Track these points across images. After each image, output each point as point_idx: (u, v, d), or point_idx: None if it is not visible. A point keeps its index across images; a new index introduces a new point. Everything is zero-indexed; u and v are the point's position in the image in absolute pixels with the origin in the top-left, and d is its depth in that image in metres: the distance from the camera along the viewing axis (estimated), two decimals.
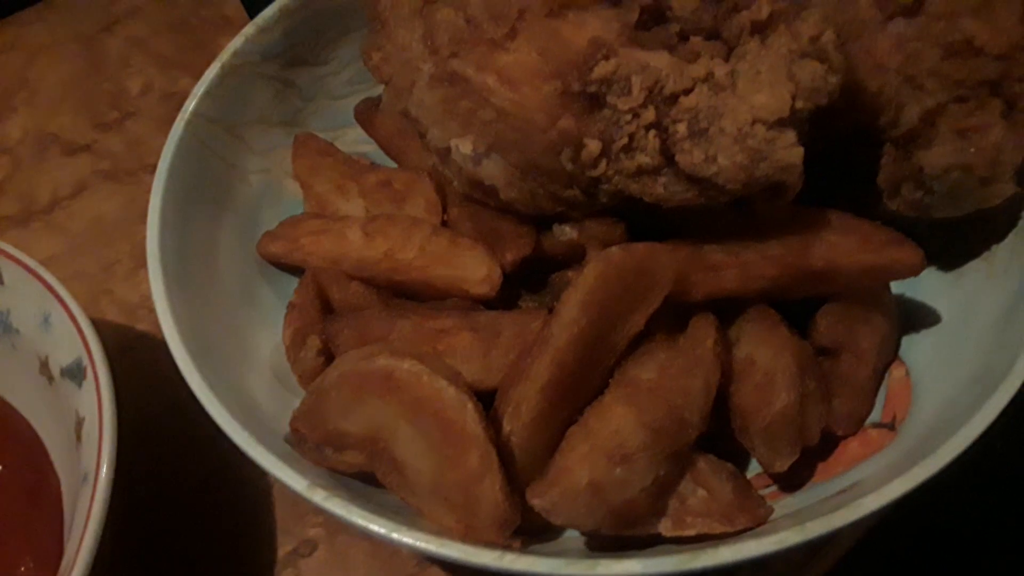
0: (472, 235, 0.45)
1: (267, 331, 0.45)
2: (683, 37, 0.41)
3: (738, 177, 0.36)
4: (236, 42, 0.50)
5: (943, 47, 0.39)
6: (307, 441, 0.37)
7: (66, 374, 0.42)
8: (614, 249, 0.37)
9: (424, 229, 0.45)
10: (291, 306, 0.44)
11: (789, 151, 0.36)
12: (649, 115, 0.38)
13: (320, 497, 0.33)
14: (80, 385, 0.41)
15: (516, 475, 0.35)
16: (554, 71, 0.39)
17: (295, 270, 0.47)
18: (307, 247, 0.47)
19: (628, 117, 0.38)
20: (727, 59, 0.39)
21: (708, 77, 0.38)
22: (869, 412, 0.41)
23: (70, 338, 0.41)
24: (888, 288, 0.42)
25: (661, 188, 0.39)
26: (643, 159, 0.38)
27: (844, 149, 0.42)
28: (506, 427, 0.36)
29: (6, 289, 0.44)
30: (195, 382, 0.37)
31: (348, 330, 0.42)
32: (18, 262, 0.44)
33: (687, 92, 0.38)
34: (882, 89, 0.40)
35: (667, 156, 0.38)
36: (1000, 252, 0.41)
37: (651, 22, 0.41)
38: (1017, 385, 0.35)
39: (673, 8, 0.41)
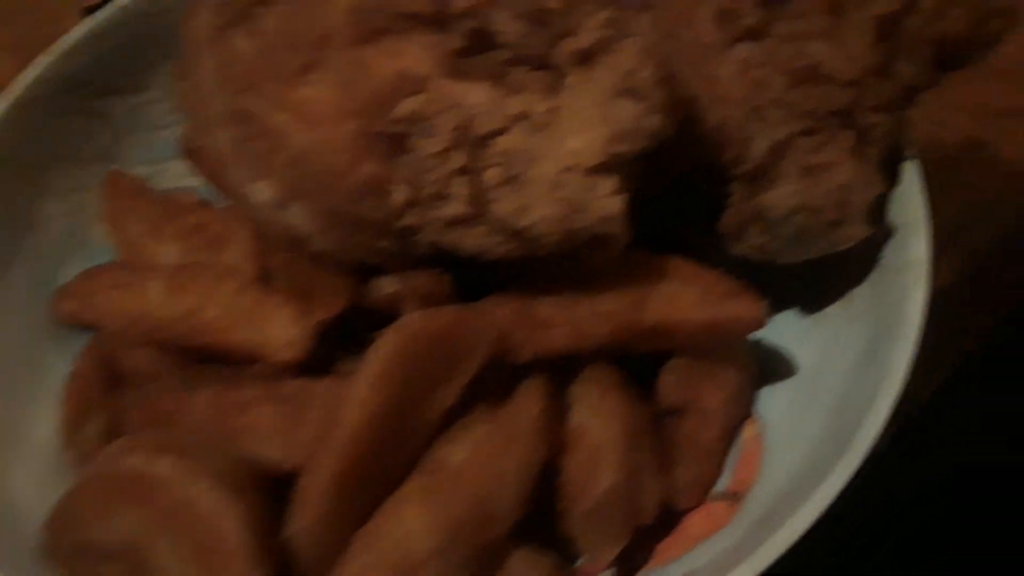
0: (286, 290, 0.40)
1: (52, 408, 0.39)
2: (513, 63, 0.37)
3: (555, 230, 0.32)
4: (30, 72, 0.44)
5: (789, 74, 0.35)
6: (59, 551, 0.32)
7: None
8: (414, 316, 0.32)
9: (231, 283, 0.40)
10: (72, 376, 0.39)
11: (608, 201, 0.31)
12: (458, 159, 0.33)
13: None
14: None
15: None
16: (356, 108, 0.34)
17: (92, 330, 0.42)
18: (101, 304, 0.41)
19: (436, 162, 0.33)
20: (555, 90, 0.35)
21: (526, 115, 0.33)
22: (715, 479, 0.37)
23: None
24: (742, 338, 0.39)
25: (477, 240, 0.34)
26: (454, 208, 0.33)
27: (690, 186, 0.38)
28: (291, 526, 0.31)
29: None
30: None
31: (136, 406, 0.37)
32: None
33: (501, 133, 0.33)
34: (726, 122, 0.36)
35: (480, 205, 0.33)
36: (858, 295, 0.38)
37: (478, 48, 0.37)
38: (870, 442, 0.31)
39: (500, 34, 0.36)
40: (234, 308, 0.39)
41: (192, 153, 0.50)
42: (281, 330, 0.38)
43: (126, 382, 0.39)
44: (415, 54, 0.36)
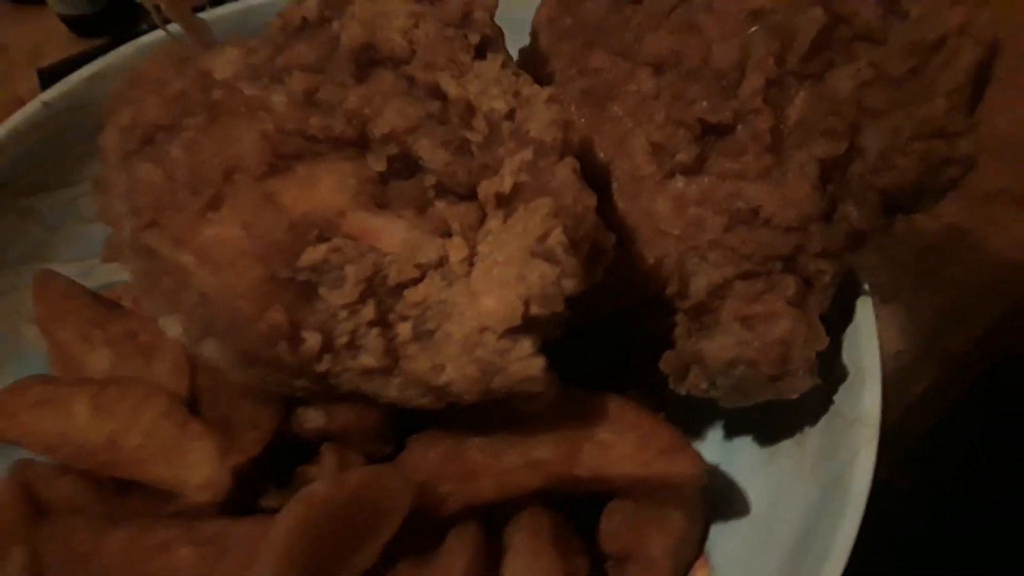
0: (210, 416, 0.38)
1: None
2: (439, 191, 0.34)
3: (472, 389, 0.30)
4: None
5: (727, 214, 0.33)
6: None
7: None
8: (317, 485, 0.30)
9: (155, 407, 0.38)
10: None
11: (525, 363, 0.29)
12: (368, 312, 0.31)
13: None
14: None
15: None
16: (261, 253, 0.32)
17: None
18: (25, 424, 0.39)
19: (345, 313, 0.31)
20: (476, 229, 0.33)
21: (442, 262, 0.31)
22: None
23: None
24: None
25: (395, 391, 0.32)
26: (367, 360, 0.32)
27: (635, 316, 0.36)
28: None
29: None
30: None
31: (54, 540, 0.36)
32: None
33: (415, 282, 0.31)
34: (664, 258, 0.34)
35: (395, 358, 0.31)
36: (811, 437, 0.36)
37: (402, 174, 0.35)
38: None
39: (423, 160, 0.34)
40: (156, 437, 0.37)
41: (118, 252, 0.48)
42: (200, 468, 0.36)
43: (47, 513, 0.37)
44: (331, 183, 0.34)
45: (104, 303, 0.46)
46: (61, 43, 0.69)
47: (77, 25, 0.69)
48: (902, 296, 0.47)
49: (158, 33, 0.47)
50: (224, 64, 0.36)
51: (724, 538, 0.37)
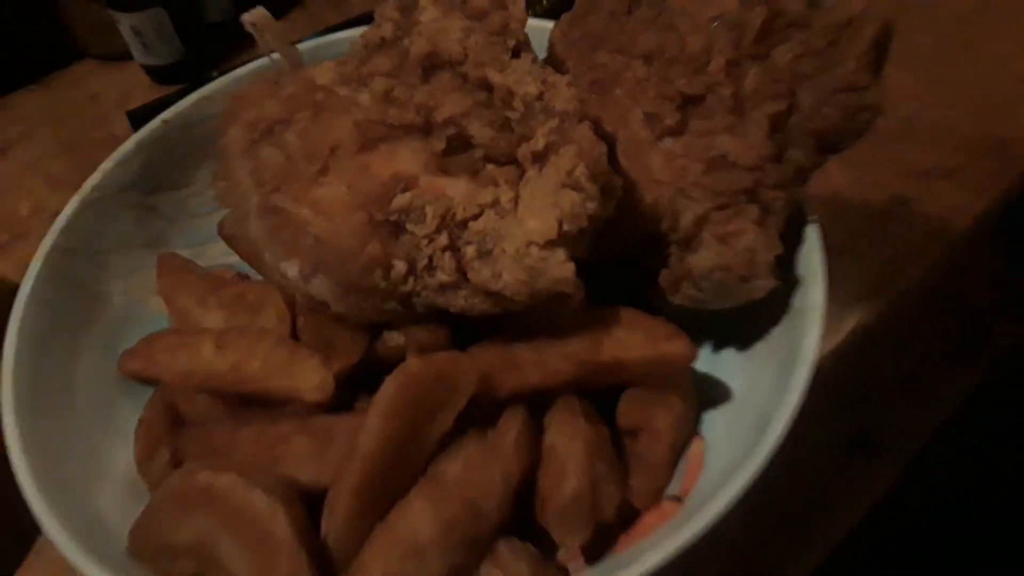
0: (312, 344, 0.48)
1: (125, 446, 0.48)
2: (487, 159, 0.46)
3: (522, 291, 0.41)
4: (95, 177, 0.54)
5: (704, 162, 0.44)
6: (143, 553, 0.40)
7: None
8: (411, 360, 0.41)
9: (268, 341, 0.49)
10: (141, 421, 0.48)
11: (561, 267, 0.40)
12: (443, 239, 0.42)
13: None
14: None
15: (334, 572, 0.39)
16: (360, 202, 0.43)
17: (155, 384, 0.51)
18: (163, 363, 0.50)
19: (426, 242, 0.42)
20: (518, 182, 0.44)
21: (495, 203, 0.43)
22: (665, 486, 0.45)
23: None
24: (686, 372, 0.47)
25: (462, 300, 0.43)
26: (443, 277, 0.42)
27: (639, 250, 0.47)
28: (323, 528, 0.39)
29: None
30: (39, 508, 0.40)
31: (194, 441, 0.46)
32: None
33: (476, 217, 0.42)
34: (658, 200, 0.45)
35: (463, 273, 0.43)
36: (773, 333, 0.46)
37: (457, 149, 0.46)
38: (775, 443, 0.40)
39: (474, 137, 0.46)
40: (271, 361, 0.48)
41: (228, 237, 0.59)
42: (310, 377, 0.46)
43: (185, 423, 0.48)
44: (406, 157, 0.46)
45: (214, 277, 0.57)
46: (144, 90, 0.81)
47: (157, 74, 0.81)
48: (857, 250, 0.58)
49: (252, 66, 0.59)
50: (323, 73, 0.48)
51: (713, 419, 0.47)
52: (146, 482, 0.46)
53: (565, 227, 0.40)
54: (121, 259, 0.55)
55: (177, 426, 0.48)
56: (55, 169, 0.75)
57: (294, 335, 0.51)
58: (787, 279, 0.45)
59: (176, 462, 0.46)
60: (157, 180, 0.57)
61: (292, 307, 0.52)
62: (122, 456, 0.48)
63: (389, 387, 0.40)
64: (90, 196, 0.53)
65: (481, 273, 0.41)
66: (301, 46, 0.56)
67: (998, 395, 0.98)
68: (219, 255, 0.58)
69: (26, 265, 0.67)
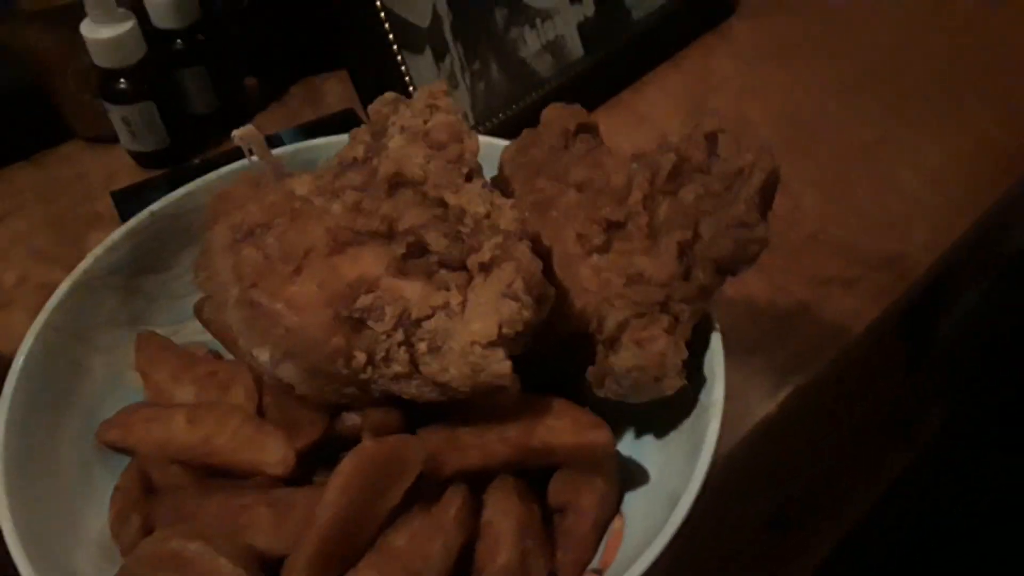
0: (277, 421, 0.54)
1: (100, 511, 0.53)
2: (441, 264, 0.53)
3: (466, 383, 0.48)
4: (86, 262, 0.60)
5: (625, 276, 0.51)
6: None
7: None
8: (366, 442, 0.47)
9: (237, 417, 0.54)
10: (116, 489, 0.53)
11: (500, 364, 0.47)
12: (399, 336, 0.49)
13: None
14: None
15: None
16: (328, 300, 0.50)
17: (130, 453, 0.56)
18: (138, 433, 0.55)
19: (384, 337, 0.49)
20: (466, 287, 0.51)
21: (446, 305, 0.49)
22: (590, 559, 0.51)
23: None
24: (611, 457, 0.54)
25: (414, 389, 0.50)
26: (397, 368, 0.49)
27: (571, 346, 0.55)
28: None
29: None
30: (21, 562, 0.45)
31: (165, 508, 0.51)
32: None
33: (428, 317, 0.49)
34: (587, 306, 0.52)
35: (415, 366, 0.49)
36: (684, 424, 0.53)
37: (415, 255, 0.53)
38: (680, 520, 0.46)
39: (431, 245, 0.53)
40: (238, 436, 0.53)
41: (205, 320, 0.65)
42: (274, 453, 0.52)
43: (157, 491, 0.53)
44: (371, 260, 0.53)
45: (188, 354, 0.62)
46: (129, 171, 0.87)
47: (142, 159, 0.87)
48: (765, 347, 0.66)
49: (220, 172, 0.66)
50: (301, 185, 0.55)
51: (633, 499, 0.53)
52: (118, 545, 0.51)
53: (504, 331, 0.47)
54: (105, 336, 0.60)
55: (149, 494, 0.53)
56: (40, 243, 0.80)
57: (260, 411, 0.57)
58: (694, 378, 0.52)
59: (147, 528, 0.51)
60: (142, 264, 0.63)
61: (260, 385, 0.57)
62: (98, 520, 0.52)
63: (346, 465, 0.46)
64: (81, 279, 0.59)
65: (431, 366, 0.48)
66: (282, 150, 0.64)
67: (919, 482, 1.07)
68: (194, 333, 0.64)
69: (8, 332, 0.72)
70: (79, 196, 0.85)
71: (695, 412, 0.53)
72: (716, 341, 0.53)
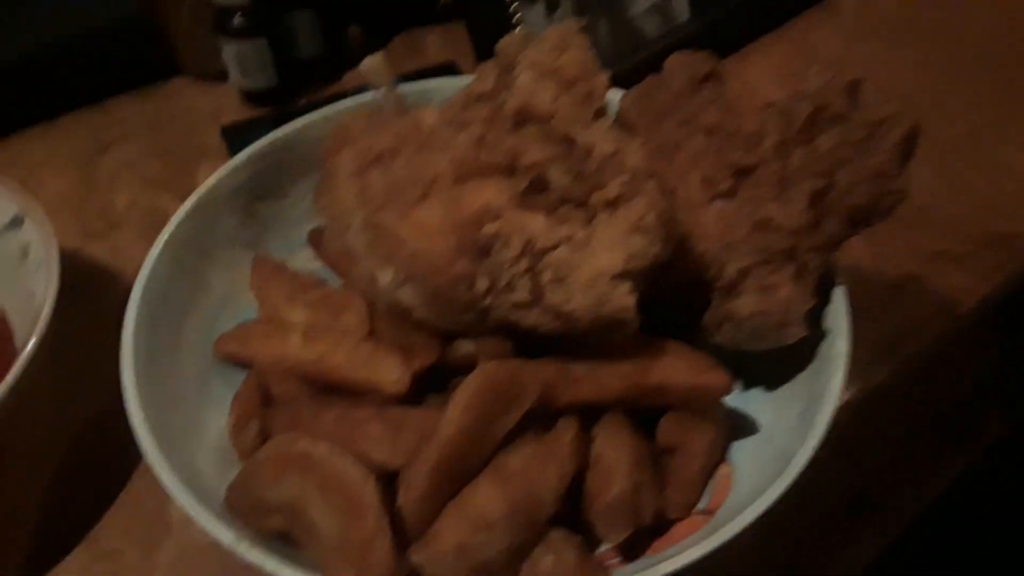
0: (391, 344, 0.55)
1: (217, 417, 0.55)
2: (563, 201, 0.53)
3: (588, 314, 0.48)
4: (211, 180, 0.61)
5: (751, 222, 0.51)
6: (238, 507, 0.46)
7: (9, 228, 0.59)
8: (490, 364, 0.47)
9: (352, 338, 0.56)
10: (237, 396, 0.54)
11: (624, 298, 0.47)
12: (524, 264, 0.49)
13: (244, 548, 0.42)
14: (22, 226, 0.57)
15: (406, 539, 0.45)
16: (453, 226, 0.51)
17: (245, 366, 0.57)
18: (255, 347, 0.57)
19: (508, 264, 0.49)
20: (588, 223, 0.51)
21: (570, 238, 0.50)
22: (696, 501, 0.51)
23: (9, 197, 0.58)
24: (719, 404, 0.54)
25: (533, 318, 0.50)
26: (519, 296, 0.49)
27: (686, 292, 0.55)
28: (400, 500, 0.46)
29: None
30: (153, 456, 0.46)
31: (281, 417, 0.53)
32: None
33: (553, 249, 0.50)
34: (707, 251, 0.52)
35: (536, 295, 0.50)
36: (800, 376, 0.53)
37: (537, 190, 0.54)
38: (796, 473, 0.46)
39: (552, 182, 0.53)
40: (355, 355, 0.54)
41: (317, 245, 0.67)
42: (390, 371, 0.53)
43: (275, 402, 0.54)
44: (494, 192, 0.53)
45: (302, 278, 0.64)
46: (235, 109, 0.89)
47: (250, 96, 0.89)
48: (872, 313, 0.65)
49: (338, 105, 0.67)
50: (428, 116, 0.56)
51: (740, 448, 0.53)
52: (236, 449, 0.53)
53: (631, 264, 0.47)
54: (224, 254, 0.62)
55: (267, 403, 0.54)
56: (149, 171, 0.82)
57: (372, 336, 0.58)
58: (815, 331, 0.52)
59: (264, 435, 0.52)
60: (260, 189, 0.65)
61: (371, 312, 0.59)
62: (215, 427, 0.54)
63: (471, 383, 0.46)
64: (205, 196, 0.61)
65: (555, 296, 0.48)
66: (401, 88, 0.65)
67: (987, 478, 1.04)
68: (306, 261, 0.65)
69: (119, 252, 0.75)
70: (187, 129, 0.87)
71: (813, 366, 0.52)
72: (840, 294, 0.52)
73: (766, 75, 0.89)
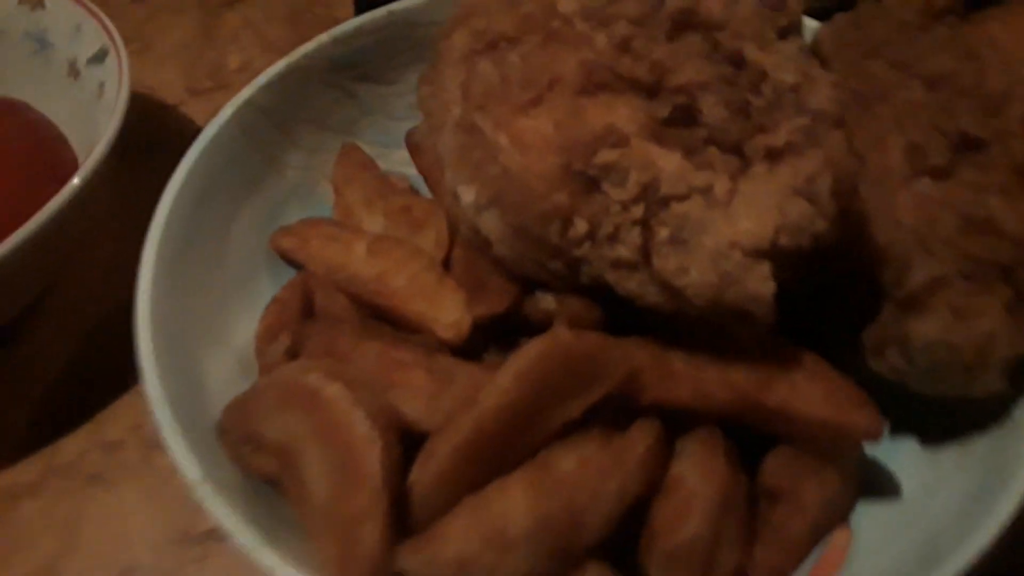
0: (462, 280, 0.45)
1: (251, 320, 0.47)
2: (710, 141, 0.41)
3: (706, 294, 0.36)
4: (309, 46, 0.53)
5: (963, 218, 0.37)
6: (230, 434, 0.38)
7: (91, 62, 0.56)
8: (564, 330, 0.36)
9: (420, 262, 0.46)
10: (274, 300, 0.46)
11: (760, 283, 0.35)
12: (637, 211, 0.37)
13: (206, 492, 0.34)
14: (103, 62, 0.54)
15: (412, 525, 0.36)
16: (563, 146, 0.39)
17: (299, 268, 0.49)
18: (313, 249, 0.48)
19: (618, 208, 0.38)
20: (739, 175, 0.38)
21: (708, 189, 0.37)
22: (793, 569, 0.39)
23: (96, 34, 0.55)
24: (854, 447, 0.40)
25: (635, 285, 0.38)
26: (623, 252, 0.38)
27: (845, 294, 0.41)
28: (413, 475, 0.36)
29: (47, 12, 0.59)
30: (145, 355, 0.39)
31: (318, 336, 0.44)
32: None
33: (682, 199, 0.37)
34: (892, 244, 0.38)
35: (646, 255, 0.38)
36: (979, 446, 0.39)
37: (680, 122, 0.41)
38: (957, 570, 0.33)
39: (703, 114, 0.40)
40: (417, 281, 0.45)
41: (414, 147, 0.57)
42: (450, 312, 0.43)
43: (316, 317, 0.46)
44: (625, 113, 0.41)
45: (388, 181, 0.55)
46: None
47: None
48: None
49: None
50: (567, 1, 0.44)
51: (869, 513, 0.40)
52: (259, 362, 0.45)
53: (782, 240, 0.34)
54: (307, 134, 0.54)
55: (306, 317, 0.46)
56: (271, 33, 0.75)
57: (446, 264, 0.48)
58: (1018, 388, 0.38)
59: (293, 352, 0.44)
60: (367, 69, 0.56)
61: (453, 236, 0.49)
62: (247, 330, 0.46)
63: (532, 349, 0.36)
64: (298, 63, 0.52)
65: (668, 261, 0.36)
66: None
67: None
68: (400, 163, 0.56)
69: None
70: None
71: (1002, 433, 0.38)
72: None
73: None
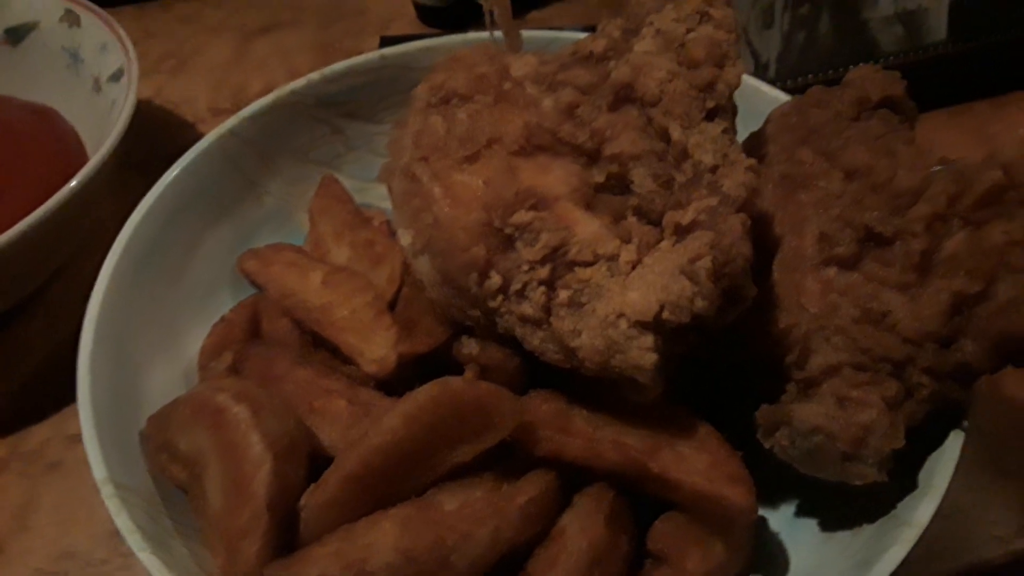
0: (400, 317, 0.48)
1: (204, 335, 0.50)
2: (636, 212, 0.42)
3: (594, 358, 0.37)
4: (298, 83, 0.56)
5: (862, 310, 0.37)
6: (151, 441, 0.41)
7: (111, 79, 0.62)
8: (457, 379, 0.38)
9: (365, 297, 0.49)
10: (223, 319, 0.49)
11: (642, 354, 0.36)
12: (544, 272, 0.39)
13: (107, 491, 0.37)
14: (119, 81, 0.60)
15: (297, 542, 0.38)
16: (487, 203, 0.41)
17: (260, 290, 0.52)
18: (274, 273, 0.51)
19: (527, 266, 0.40)
20: (649, 247, 0.40)
21: (613, 258, 0.39)
22: None
23: (117, 55, 0.61)
24: (750, 525, 0.41)
25: (538, 341, 0.40)
26: (528, 309, 0.40)
27: (757, 369, 0.42)
28: (304, 499, 0.38)
29: (82, 30, 0.65)
30: (83, 356, 0.42)
31: (257, 358, 0.47)
32: (95, 12, 0.64)
33: (586, 264, 0.39)
34: (794, 328, 0.39)
35: (548, 314, 0.39)
36: (864, 529, 0.39)
37: (615, 189, 0.43)
38: None
39: (634, 184, 0.42)
40: (356, 315, 0.47)
41: (382, 181, 0.60)
42: (378, 347, 0.45)
43: (260, 338, 0.49)
44: (559, 176, 0.43)
45: (360, 216, 0.58)
46: (405, 23, 0.84)
47: (424, 12, 0.84)
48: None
49: (482, 35, 0.59)
50: (521, 65, 0.46)
51: None
52: (199, 376, 0.48)
53: (664, 315, 0.36)
54: (289, 165, 0.57)
55: (252, 337, 0.49)
56: (298, 61, 0.80)
57: (393, 302, 0.50)
58: (902, 480, 0.38)
59: (235, 370, 0.47)
60: (355, 107, 0.59)
61: (404, 273, 0.51)
62: (198, 344, 0.49)
63: (422, 394, 0.38)
64: (286, 98, 0.56)
65: (564, 322, 0.38)
66: (532, 33, 0.55)
67: None
68: (379, 198, 0.58)
69: None
70: (352, 30, 0.83)
71: (882, 522, 0.38)
72: (954, 445, 0.37)
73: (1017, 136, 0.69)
